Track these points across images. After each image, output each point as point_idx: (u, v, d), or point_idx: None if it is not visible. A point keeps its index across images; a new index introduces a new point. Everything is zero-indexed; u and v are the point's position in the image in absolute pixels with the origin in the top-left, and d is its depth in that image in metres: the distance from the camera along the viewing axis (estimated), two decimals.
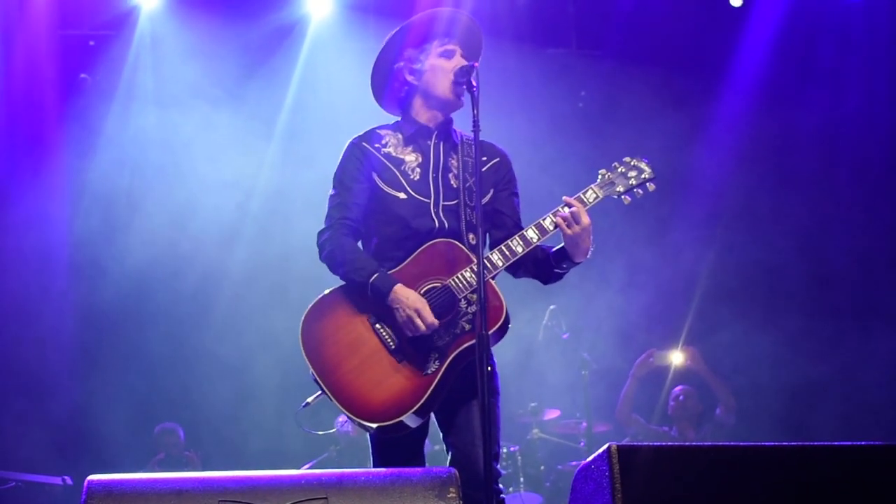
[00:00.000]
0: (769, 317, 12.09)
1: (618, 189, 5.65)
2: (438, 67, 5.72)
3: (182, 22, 11.54)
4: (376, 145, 5.76)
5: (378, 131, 5.84)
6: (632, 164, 5.74)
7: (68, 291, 11.76)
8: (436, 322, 5.31)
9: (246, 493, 4.44)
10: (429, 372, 5.31)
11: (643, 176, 5.70)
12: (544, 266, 5.66)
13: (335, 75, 11.69)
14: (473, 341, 5.17)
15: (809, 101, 12.09)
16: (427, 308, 5.33)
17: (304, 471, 4.94)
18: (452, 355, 5.32)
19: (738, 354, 11.95)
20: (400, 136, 5.80)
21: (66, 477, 10.37)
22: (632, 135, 11.86)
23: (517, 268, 5.62)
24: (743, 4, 11.82)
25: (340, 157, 5.79)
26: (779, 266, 12.26)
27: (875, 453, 4.47)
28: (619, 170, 5.71)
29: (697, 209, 12.20)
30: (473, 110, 5.25)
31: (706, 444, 4.37)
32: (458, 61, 5.69)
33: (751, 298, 12.37)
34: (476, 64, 5.47)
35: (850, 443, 4.50)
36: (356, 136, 5.84)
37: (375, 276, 5.40)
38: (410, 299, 5.33)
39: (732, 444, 4.41)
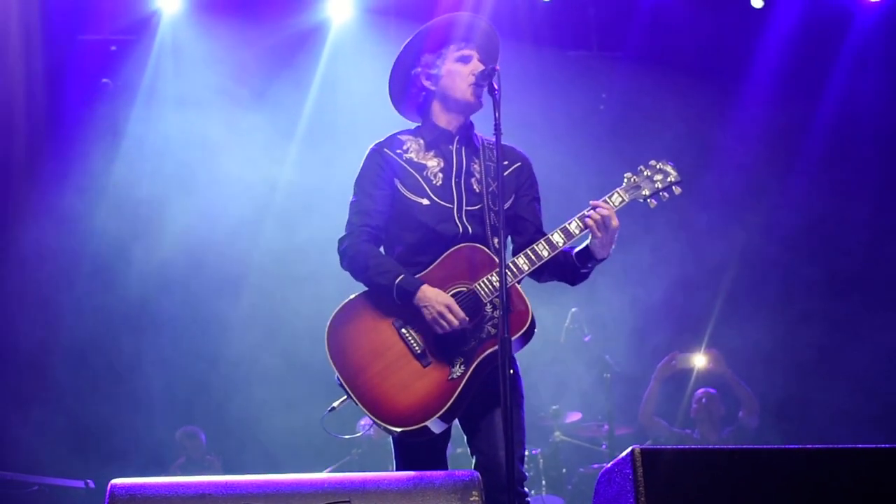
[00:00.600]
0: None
1: (643, 192, 5.63)
2: (456, 72, 5.72)
3: (203, 26, 11.56)
4: (398, 151, 5.75)
5: (399, 137, 5.84)
6: (657, 167, 5.71)
7: (90, 295, 11.77)
8: (466, 318, 5.31)
9: (269, 497, 4.45)
10: (454, 376, 5.30)
11: (669, 179, 5.68)
12: (569, 268, 5.64)
13: (356, 79, 11.68)
14: (497, 347, 5.18)
15: (830, 99, 12.07)
16: (455, 304, 5.32)
17: (326, 474, 4.94)
18: (478, 360, 5.32)
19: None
20: (421, 141, 5.79)
21: (88, 481, 10.38)
22: (653, 137, 11.86)
23: (541, 272, 5.59)
24: (764, 5, 11.77)
25: (361, 163, 5.79)
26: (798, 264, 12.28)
27: None
28: (645, 173, 5.68)
29: (720, 209, 12.16)
30: (495, 113, 5.26)
31: (729, 446, 4.37)
32: (476, 66, 5.67)
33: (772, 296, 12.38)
34: (497, 67, 5.47)
35: (872, 445, 4.47)
36: (377, 142, 5.83)
37: (401, 277, 5.39)
38: (439, 297, 5.33)
39: (755, 447, 4.39)
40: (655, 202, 5.67)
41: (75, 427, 11.48)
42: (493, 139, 5.33)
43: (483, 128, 5.84)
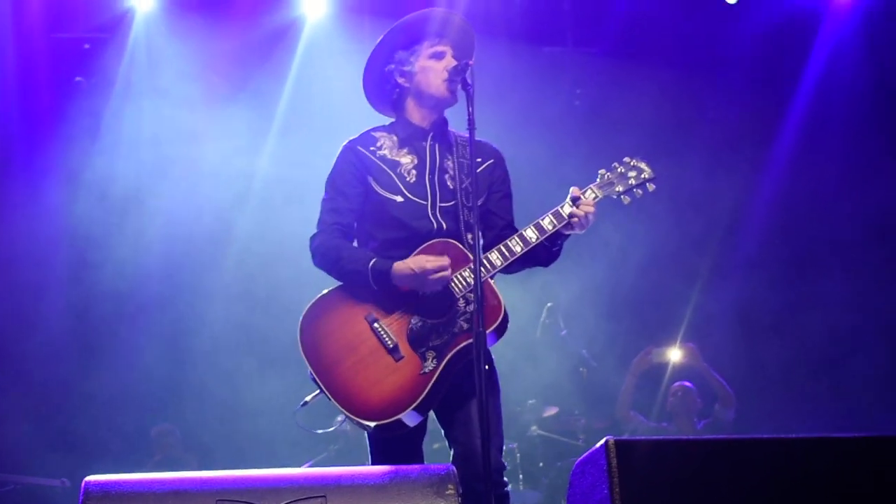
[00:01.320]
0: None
1: (617, 189, 5.66)
2: (429, 69, 5.72)
3: (177, 24, 11.51)
4: (371, 148, 5.74)
5: (373, 134, 5.84)
6: (632, 164, 5.74)
7: (65, 290, 11.74)
8: (448, 260, 5.32)
9: (244, 492, 4.45)
10: (426, 371, 5.31)
11: (643, 176, 5.71)
12: (540, 252, 5.62)
13: (331, 76, 11.67)
14: (471, 340, 5.22)
15: (803, 94, 12.12)
16: (430, 256, 5.34)
17: (302, 470, 4.93)
18: (450, 354, 5.33)
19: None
20: (395, 137, 5.79)
21: (63, 479, 10.37)
22: (627, 132, 11.87)
23: (512, 264, 5.58)
24: (738, 2, 11.80)
25: (334, 160, 5.79)
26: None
27: (871, 445, 4.47)
28: (619, 170, 5.71)
29: (695, 202, 12.19)
30: (469, 108, 5.26)
31: (704, 437, 4.40)
32: (449, 62, 5.67)
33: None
34: (471, 62, 5.47)
35: (847, 434, 4.50)
36: (350, 139, 5.83)
37: (374, 260, 5.40)
38: (412, 262, 5.34)
39: (730, 436, 4.42)
40: (629, 199, 5.71)
41: (50, 425, 11.45)
42: (467, 135, 5.35)
43: (456, 123, 5.83)
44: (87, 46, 11.76)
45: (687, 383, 11.22)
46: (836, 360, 11.89)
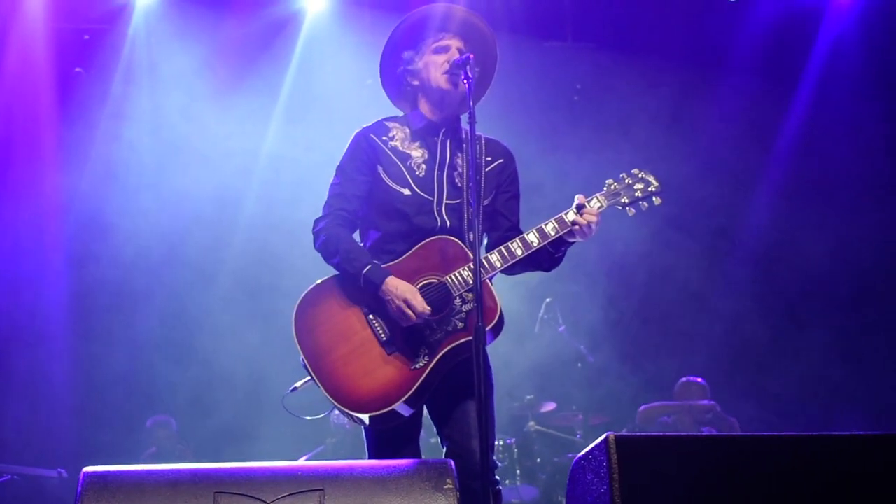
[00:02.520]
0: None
1: (623, 200, 5.63)
2: (432, 63, 5.71)
3: (177, 16, 11.53)
4: (383, 138, 5.73)
5: (386, 123, 5.82)
6: (639, 175, 5.70)
7: (62, 281, 11.75)
8: (427, 309, 5.30)
9: (242, 485, 4.44)
10: (417, 366, 5.31)
11: (650, 189, 5.67)
12: (543, 257, 5.62)
13: (330, 68, 11.69)
14: (464, 340, 5.28)
15: (804, 91, 12.13)
16: (418, 297, 5.32)
17: (300, 463, 4.93)
18: (442, 352, 5.32)
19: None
20: (408, 130, 5.78)
21: (61, 469, 10.37)
22: (626, 128, 11.89)
23: (513, 267, 5.58)
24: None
25: (347, 146, 5.77)
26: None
27: (873, 443, 4.47)
28: (627, 181, 5.68)
29: (692, 202, 12.18)
30: (469, 101, 5.25)
31: (704, 434, 4.38)
32: (453, 54, 5.65)
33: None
34: (471, 55, 5.45)
35: (845, 433, 4.50)
36: (364, 126, 5.81)
37: (368, 267, 5.38)
38: (400, 289, 5.32)
39: (729, 434, 4.42)
40: (634, 210, 5.68)
41: (46, 416, 11.44)
42: (480, 135, 5.45)
43: (492, 130, 5.90)
44: (87, 37, 11.74)
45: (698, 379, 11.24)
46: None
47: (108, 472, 4.47)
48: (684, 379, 11.31)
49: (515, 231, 5.70)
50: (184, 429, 11.64)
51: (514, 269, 5.62)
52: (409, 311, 5.28)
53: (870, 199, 12.12)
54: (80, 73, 11.73)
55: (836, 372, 11.75)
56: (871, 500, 4.34)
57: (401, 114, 5.92)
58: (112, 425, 11.77)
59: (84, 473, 4.46)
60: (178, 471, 4.53)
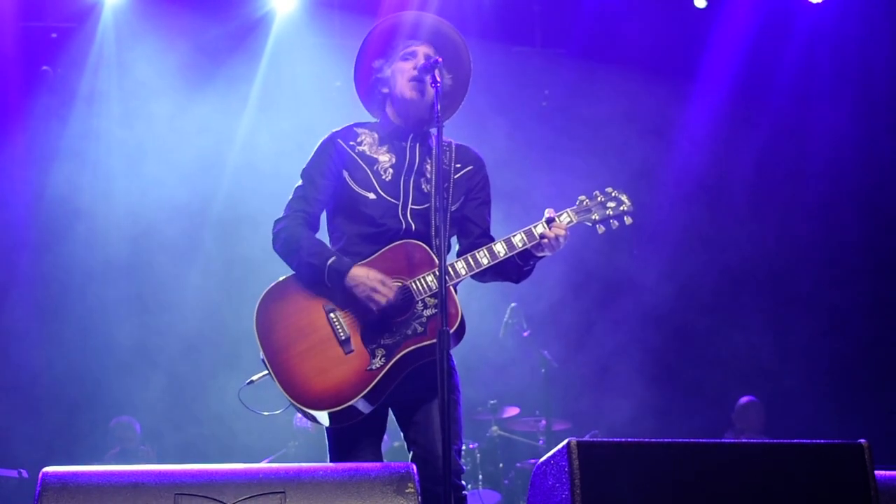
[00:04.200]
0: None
1: (593, 217, 5.67)
2: (398, 70, 5.72)
3: (146, 15, 11.50)
4: (351, 143, 5.73)
5: (355, 129, 5.83)
6: (612, 194, 5.74)
7: (27, 277, 11.68)
8: (396, 293, 5.34)
9: (203, 486, 4.42)
10: (373, 367, 5.31)
11: (622, 208, 5.72)
12: (512, 268, 5.65)
13: (300, 69, 11.69)
14: (422, 344, 5.31)
15: (776, 99, 12.21)
16: (388, 279, 5.35)
17: (261, 465, 4.92)
18: (399, 355, 5.33)
19: None
20: (376, 135, 5.78)
21: (21, 470, 10.31)
22: (594, 133, 11.92)
23: (483, 274, 5.60)
24: (707, 6, 11.85)
25: (314, 150, 5.78)
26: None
27: (830, 451, 4.50)
28: (599, 199, 5.72)
29: (661, 209, 12.22)
30: (436, 105, 5.25)
31: (666, 440, 4.38)
32: (419, 60, 5.66)
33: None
34: (439, 59, 5.46)
35: (808, 441, 4.52)
36: (333, 130, 5.82)
37: (332, 258, 5.40)
38: (370, 274, 5.35)
39: (692, 440, 4.42)
40: (604, 228, 5.72)
41: (8, 415, 11.37)
42: (450, 141, 5.50)
43: (458, 134, 5.94)
44: (54, 35, 11.69)
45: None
46: None
47: (68, 472, 4.44)
48: (745, 400, 11.46)
49: (486, 237, 5.72)
50: (147, 430, 11.58)
51: (482, 276, 5.64)
52: (384, 289, 5.32)
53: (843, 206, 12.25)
54: (48, 72, 11.67)
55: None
56: None
57: (374, 119, 5.92)
58: (76, 425, 11.71)
59: (43, 474, 4.42)
60: (139, 472, 4.51)
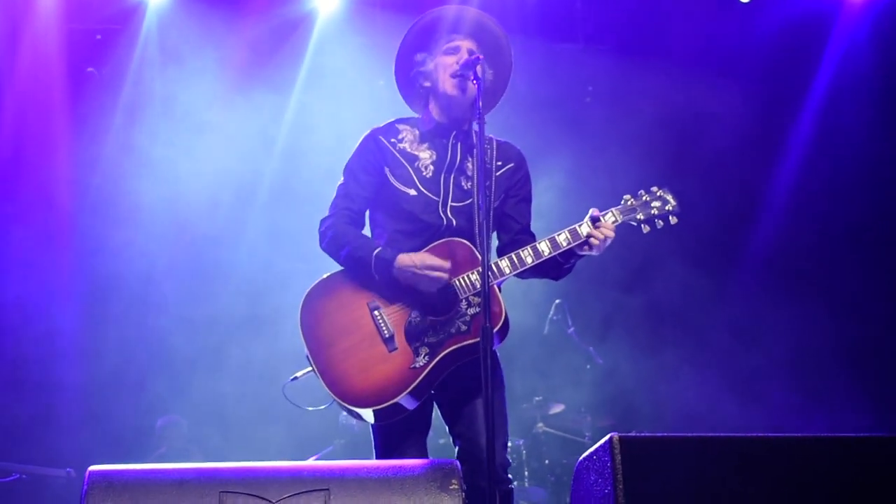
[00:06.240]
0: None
1: (638, 216, 5.66)
2: (441, 65, 5.74)
3: (188, 16, 11.53)
4: (392, 140, 5.77)
5: (397, 125, 5.86)
6: (658, 193, 5.72)
7: (73, 280, 11.75)
8: (446, 264, 5.36)
9: (248, 484, 4.45)
10: (416, 366, 5.34)
11: (667, 208, 5.69)
12: (552, 265, 5.65)
13: (342, 69, 11.70)
14: (466, 342, 5.32)
15: (815, 93, 12.11)
16: (435, 257, 5.38)
17: (306, 463, 4.94)
18: (442, 353, 5.35)
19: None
20: (417, 132, 5.81)
21: (69, 469, 10.39)
22: (638, 131, 11.87)
23: (521, 273, 5.62)
24: (751, 1, 11.79)
25: (355, 147, 5.81)
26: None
27: (877, 445, 4.46)
28: (644, 198, 5.70)
29: (705, 206, 12.15)
30: (478, 103, 5.26)
31: (708, 434, 4.36)
32: (462, 55, 5.67)
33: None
34: (481, 56, 5.48)
35: (852, 434, 4.49)
36: (374, 127, 5.85)
37: (378, 249, 5.43)
38: (416, 261, 5.37)
39: (734, 434, 4.40)
40: (649, 227, 5.70)
41: (55, 415, 11.45)
42: (492, 137, 5.56)
43: (502, 132, 5.95)
44: (99, 37, 11.76)
45: None
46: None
47: (113, 471, 4.48)
48: None
49: (526, 234, 5.73)
50: (193, 429, 11.63)
51: (522, 274, 5.63)
52: (437, 267, 5.34)
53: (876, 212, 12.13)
54: (93, 73, 11.75)
55: None
56: (879, 502, 4.34)
57: (415, 115, 5.93)
58: (124, 425, 11.77)
59: (89, 472, 4.47)
60: (184, 470, 4.55)
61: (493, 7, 10.38)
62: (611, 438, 4.25)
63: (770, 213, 12.50)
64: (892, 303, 11.92)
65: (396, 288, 5.44)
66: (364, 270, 5.46)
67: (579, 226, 5.50)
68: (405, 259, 5.37)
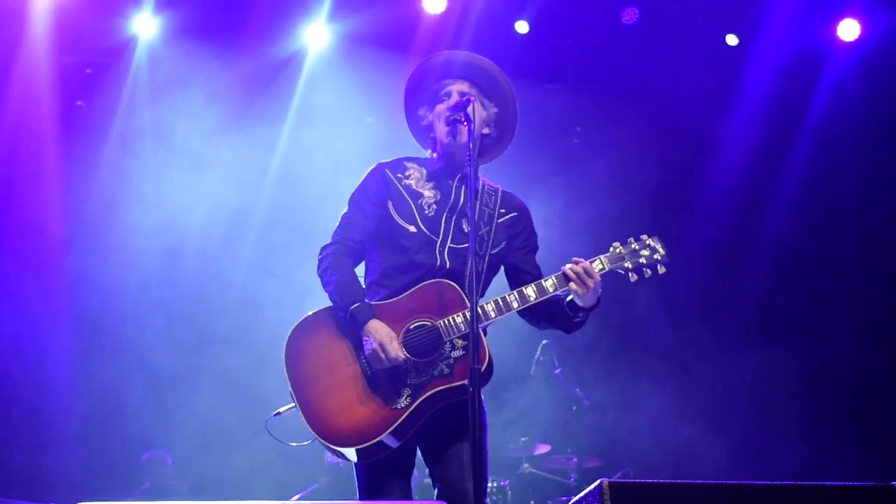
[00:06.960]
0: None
1: (626, 265, 5.66)
2: (437, 115, 5.80)
3: (179, 52, 11.56)
4: (398, 175, 5.82)
5: (405, 162, 5.92)
6: (647, 242, 5.73)
7: (66, 310, 11.72)
8: (400, 356, 5.34)
9: None
10: (398, 407, 5.33)
11: (655, 256, 5.69)
12: (561, 318, 5.67)
13: (332, 106, 11.72)
14: (448, 386, 5.31)
15: (806, 138, 12.17)
16: (395, 343, 5.36)
17: (291, 502, 4.91)
18: (425, 395, 5.33)
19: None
20: (424, 171, 5.86)
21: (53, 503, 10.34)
22: (625, 171, 11.90)
23: (538, 320, 5.69)
24: (739, 43, 11.86)
25: (363, 178, 5.85)
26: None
27: (862, 493, 4.46)
28: (633, 246, 5.70)
29: (692, 244, 12.17)
30: (469, 143, 5.28)
31: (697, 481, 4.35)
32: (454, 99, 5.71)
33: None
34: (472, 97, 5.49)
35: (840, 483, 4.49)
36: (382, 161, 5.91)
37: (357, 305, 5.44)
38: (379, 332, 5.37)
39: (724, 482, 4.39)
40: (637, 277, 5.70)
41: (39, 448, 11.39)
42: (498, 187, 5.66)
43: (488, 173, 6.00)
44: (89, 71, 11.78)
45: None
46: None
47: None
48: None
49: None
50: (179, 464, 11.58)
51: (538, 322, 5.73)
52: (381, 355, 5.32)
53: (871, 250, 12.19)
54: (82, 107, 11.75)
55: None
56: None
57: (424, 154, 5.99)
58: (106, 460, 11.71)
59: None
60: None
61: (482, 46, 10.46)
62: (601, 484, 4.25)
63: (758, 257, 12.54)
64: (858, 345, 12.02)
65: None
66: (341, 314, 5.48)
67: (568, 269, 5.49)
68: (371, 328, 5.38)
